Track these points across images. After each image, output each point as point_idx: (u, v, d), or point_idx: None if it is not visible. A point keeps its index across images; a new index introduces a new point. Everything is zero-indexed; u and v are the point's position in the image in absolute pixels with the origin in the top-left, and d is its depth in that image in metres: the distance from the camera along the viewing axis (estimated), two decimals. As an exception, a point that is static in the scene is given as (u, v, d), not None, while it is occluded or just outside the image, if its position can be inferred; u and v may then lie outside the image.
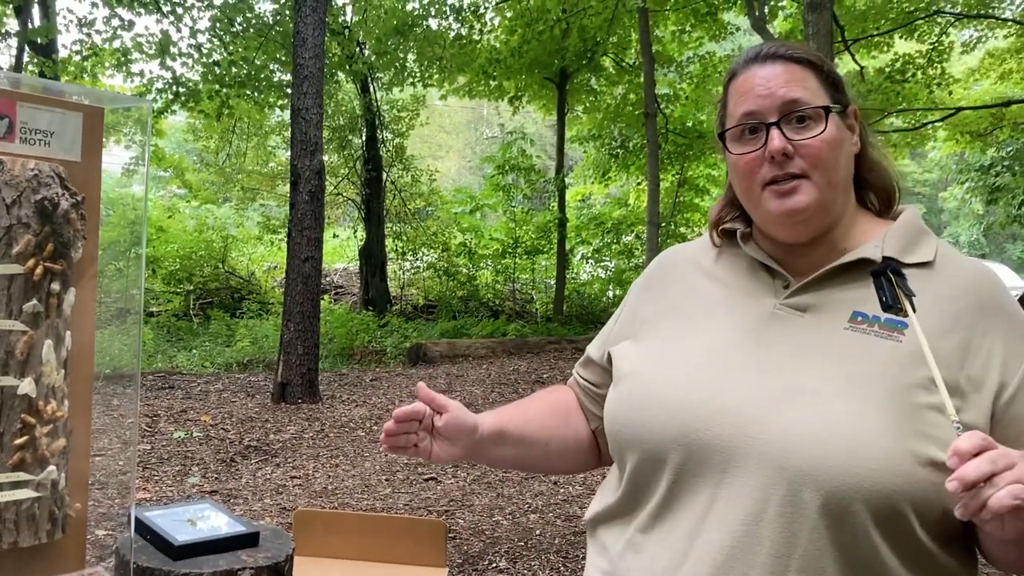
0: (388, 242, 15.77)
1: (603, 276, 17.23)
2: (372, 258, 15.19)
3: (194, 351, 11.51)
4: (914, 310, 0.98)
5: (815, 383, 1.01)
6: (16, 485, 1.16)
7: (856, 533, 0.95)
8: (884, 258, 1.07)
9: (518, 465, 1.34)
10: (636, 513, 1.12)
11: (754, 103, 1.09)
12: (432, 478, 5.40)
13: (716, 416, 1.03)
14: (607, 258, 17.10)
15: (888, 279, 1.02)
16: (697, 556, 1.02)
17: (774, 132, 1.07)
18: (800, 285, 1.10)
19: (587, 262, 17.64)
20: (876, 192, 1.17)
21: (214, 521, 1.90)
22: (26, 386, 1.15)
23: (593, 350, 1.34)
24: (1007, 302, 1.07)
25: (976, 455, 0.83)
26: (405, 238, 16.04)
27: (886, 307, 1.00)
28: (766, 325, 1.09)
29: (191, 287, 14.88)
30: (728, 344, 1.10)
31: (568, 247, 16.02)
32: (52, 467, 1.19)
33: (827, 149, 1.06)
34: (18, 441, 1.15)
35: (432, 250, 16.30)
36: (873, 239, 1.10)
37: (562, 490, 5.21)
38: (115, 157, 15.15)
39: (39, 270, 1.16)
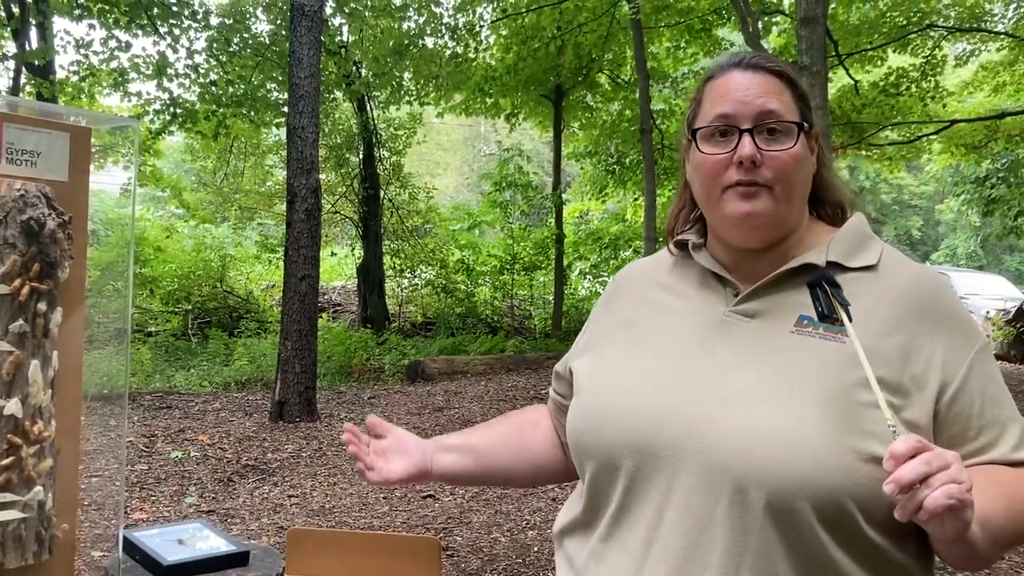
0: (386, 260, 15.78)
1: (601, 292, 17.22)
2: (370, 276, 15.19)
3: (192, 370, 11.49)
4: (850, 319, 1.01)
5: (760, 385, 1.03)
6: (2, 506, 1.15)
7: (802, 531, 0.96)
8: (828, 263, 1.10)
9: (471, 477, 1.41)
10: (596, 523, 1.13)
11: (731, 107, 1.11)
12: (430, 495, 5.38)
13: (665, 421, 1.05)
14: (605, 273, 17.11)
15: (823, 289, 1.05)
16: (653, 561, 1.04)
17: (746, 139, 1.08)
18: (748, 291, 1.12)
19: (585, 278, 17.65)
20: (830, 207, 1.20)
21: (205, 541, 1.90)
22: (12, 406, 1.15)
23: (560, 366, 1.37)
24: (949, 303, 1.09)
25: (912, 457, 0.85)
26: (403, 255, 16.05)
27: (822, 317, 1.04)
28: (715, 332, 1.12)
29: (189, 306, 14.87)
30: (679, 352, 1.12)
31: (566, 263, 16.03)
32: (39, 488, 1.19)
33: (793, 164, 1.09)
34: (4, 462, 1.15)
35: (430, 267, 16.30)
36: (820, 245, 1.13)
37: (560, 507, 5.19)
38: (113, 177, 15.22)
39: (25, 290, 1.17)
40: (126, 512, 4.86)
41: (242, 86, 12.32)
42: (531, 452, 1.39)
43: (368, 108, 14.75)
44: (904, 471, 0.84)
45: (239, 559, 1.82)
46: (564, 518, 1.24)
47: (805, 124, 1.12)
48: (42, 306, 1.20)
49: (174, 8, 11.30)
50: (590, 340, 1.31)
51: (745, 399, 1.03)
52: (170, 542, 1.83)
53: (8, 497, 1.16)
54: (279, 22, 12.32)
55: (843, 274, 1.10)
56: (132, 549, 1.80)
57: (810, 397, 1.00)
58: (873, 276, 1.10)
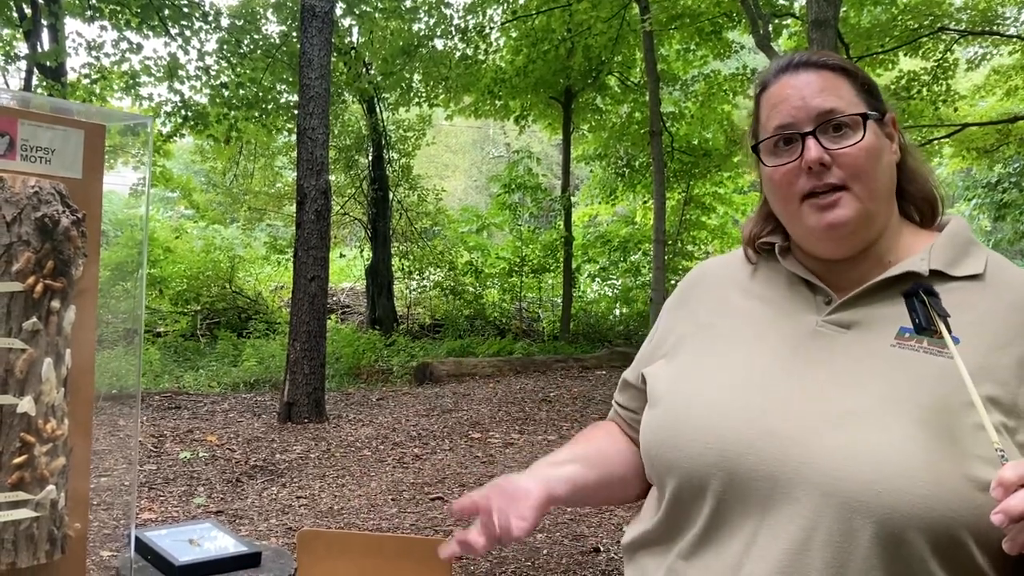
0: (395, 261, 15.79)
1: (610, 294, 17.21)
2: (378, 277, 15.21)
3: (201, 371, 11.52)
4: (949, 331, 0.93)
5: (862, 404, 0.96)
6: (15, 505, 1.14)
7: (911, 562, 0.90)
8: (930, 272, 1.02)
9: (595, 486, 1.22)
10: (677, 539, 1.07)
11: (788, 114, 1.05)
12: (439, 498, 5.37)
13: (759, 440, 0.98)
14: (614, 276, 17.09)
15: (921, 300, 0.97)
16: None
17: (810, 142, 1.02)
18: (843, 301, 1.05)
19: (594, 280, 17.63)
20: (918, 203, 1.12)
21: (216, 542, 1.89)
22: (25, 404, 1.14)
23: (629, 374, 1.28)
24: None
25: (1023, 485, 0.79)
26: (411, 257, 16.06)
27: (920, 329, 0.95)
28: (808, 343, 1.04)
29: (198, 307, 14.91)
30: (768, 363, 1.05)
31: (575, 265, 16.01)
32: (51, 486, 1.18)
33: (866, 158, 1.02)
34: (17, 460, 1.14)
35: (439, 269, 16.31)
36: (919, 252, 1.05)
37: (570, 510, 5.17)
38: (123, 178, 15.28)
39: (39, 288, 1.16)
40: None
41: (253, 88, 12.35)
42: (629, 455, 1.24)
43: (377, 110, 14.78)
44: (1015, 501, 0.78)
45: (251, 560, 1.81)
46: (636, 530, 1.15)
47: (872, 112, 1.04)
48: (56, 304, 1.19)
49: (185, 9, 11.34)
50: (663, 343, 1.21)
51: (846, 420, 0.95)
52: (181, 542, 1.82)
53: (21, 496, 1.15)
54: (290, 23, 12.34)
55: (947, 283, 1.02)
56: (143, 549, 1.80)
57: (916, 418, 0.93)
58: (980, 286, 1.02)
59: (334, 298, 16.57)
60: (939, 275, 1.02)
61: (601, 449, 1.24)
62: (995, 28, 12.51)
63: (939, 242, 1.06)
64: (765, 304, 1.12)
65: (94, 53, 11.35)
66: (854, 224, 1.02)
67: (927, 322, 0.95)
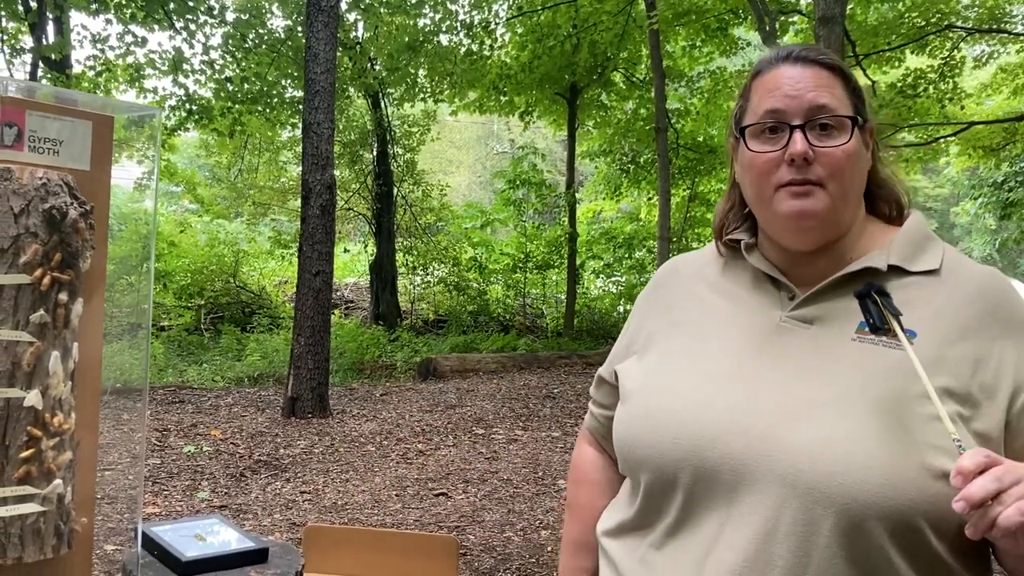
0: (399, 257, 15.79)
1: (614, 291, 17.19)
2: (383, 272, 15.20)
3: (205, 365, 11.52)
4: (902, 328, 0.97)
5: (823, 397, 0.99)
6: (21, 499, 1.13)
7: (871, 550, 0.93)
8: (889, 267, 1.06)
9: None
10: (650, 530, 1.10)
11: (781, 102, 1.06)
12: (443, 494, 5.37)
13: (725, 434, 1.01)
14: (618, 273, 17.07)
15: (873, 300, 1.01)
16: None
17: (797, 135, 1.04)
18: (806, 296, 1.08)
19: (598, 277, 17.61)
20: (886, 202, 1.16)
21: (223, 537, 1.88)
22: (32, 398, 1.13)
23: (604, 370, 1.31)
24: (1018, 306, 1.05)
25: (981, 472, 0.82)
26: (416, 253, 16.05)
27: (874, 329, 0.99)
28: (772, 338, 1.07)
29: (202, 301, 14.91)
30: (735, 359, 1.08)
31: (579, 262, 16.00)
32: (58, 481, 1.17)
33: (847, 160, 1.04)
34: (24, 454, 1.13)
35: (443, 265, 16.30)
36: (879, 247, 1.09)
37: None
38: (128, 172, 15.25)
39: (47, 280, 1.15)
40: (139, 506, 4.86)
41: (257, 83, 12.34)
42: (612, 491, 1.30)
43: (382, 105, 14.76)
44: (974, 488, 0.82)
45: (258, 556, 1.80)
46: (610, 520, 1.19)
47: (859, 118, 1.07)
48: (63, 296, 1.18)
49: (190, 3, 11.32)
50: (635, 340, 1.24)
51: (808, 412, 0.99)
52: (187, 537, 1.81)
53: (28, 490, 1.14)
54: (295, 17, 12.33)
55: (905, 278, 1.06)
56: (149, 544, 1.79)
57: (875, 410, 0.96)
58: (937, 280, 1.06)
59: (338, 293, 16.57)
60: (898, 270, 1.06)
61: (594, 524, 1.27)
62: (1002, 26, 12.46)
63: (897, 238, 1.10)
64: (732, 301, 1.15)
65: (99, 46, 11.35)
66: (821, 218, 1.04)
67: (881, 321, 0.99)
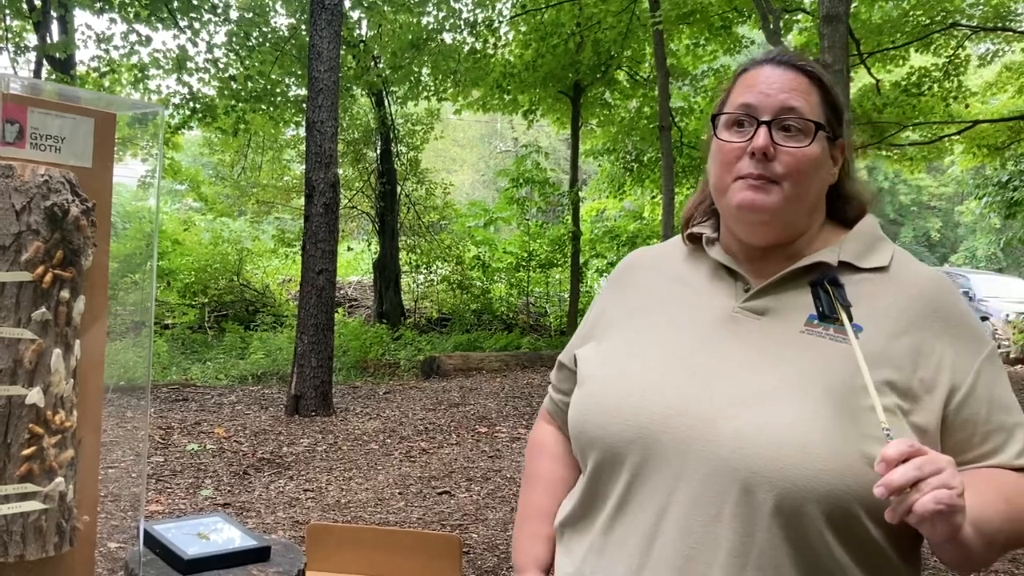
0: (402, 255, 15.79)
1: (616, 289, 17.15)
2: (386, 271, 15.21)
3: (208, 363, 11.53)
4: (851, 319, 1.02)
5: (769, 385, 1.03)
6: (23, 497, 1.13)
7: (809, 533, 0.97)
8: (840, 263, 1.10)
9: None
10: (597, 515, 1.13)
11: (754, 97, 1.11)
12: (446, 492, 5.37)
13: (674, 419, 1.05)
14: (622, 271, 17.04)
15: (825, 289, 1.06)
16: (656, 557, 1.04)
17: (762, 130, 1.08)
18: (759, 288, 1.12)
19: (601, 275, 17.60)
20: (852, 212, 1.19)
21: (225, 535, 1.88)
22: (34, 396, 1.13)
23: (564, 355, 1.34)
24: (959, 308, 1.10)
25: (904, 461, 0.87)
26: (419, 251, 16.05)
27: (823, 317, 1.04)
28: (725, 328, 1.11)
29: (206, 300, 14.93)
30: (687, 346, 1.12)
31: (582, 260, 15.98)
32: (60, 478, 1.17)
33: (806, 163, 1.08)
34: (26, 452, 1.13)
35: (446, 263, 16.30)
36: (832, 245, 1.13)
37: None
38: (131, 170, 15.27)
39: (48, 277, 1.15)
40: (142, 504, 4.86)
41: (261, 81, 12.34)
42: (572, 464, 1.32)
43: (386, 103, 14.75)
44: (895, 475, 0.86)
45: (260, 554, 1.80)
46: (564, 510, 1.23)
47: (827, 128, 1.11)
48: (65, 294, 1.18)
49: (194, 2, 11.32)
50: (596, 326, 1.28)
51: (754, 399, 1.02)
52: (190, 535, 1.81)
53: (29, 488, 1.14)
54: (299, 15, 12.32)
55: (855, 274, 1.10)
56: (152, 542, 1.79)
57: (819, 399, 1.00)
58: (885, 278, 1.11)
59: (341, 292, 16.57)
60: (848, 266, 1.10)
61: (555, 492, 1.30)
62: (1007, 24, 12.42)
63: (850, 236, 1.14)
64: (689, 289, 1.19)
65: (103, 45, 11.34)
66: (772, 212, 1.08)
67: (830, 310, 1.04)
